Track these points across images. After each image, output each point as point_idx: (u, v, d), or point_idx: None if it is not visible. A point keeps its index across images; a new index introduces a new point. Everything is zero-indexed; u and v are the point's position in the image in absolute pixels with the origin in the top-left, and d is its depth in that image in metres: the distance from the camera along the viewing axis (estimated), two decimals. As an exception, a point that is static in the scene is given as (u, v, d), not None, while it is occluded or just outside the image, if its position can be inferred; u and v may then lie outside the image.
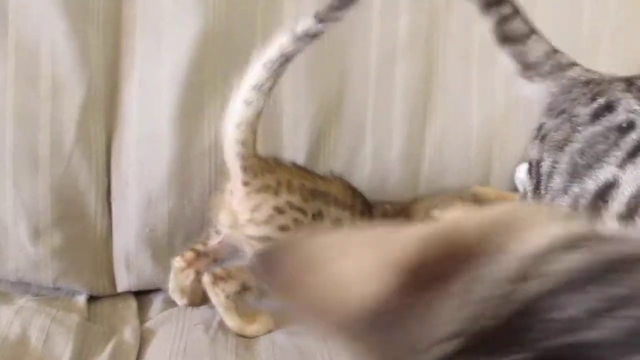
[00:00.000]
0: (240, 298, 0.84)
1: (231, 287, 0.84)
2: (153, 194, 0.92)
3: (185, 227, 0.93)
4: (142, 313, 0.92)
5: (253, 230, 0.82)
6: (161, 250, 0.93)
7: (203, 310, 0.89)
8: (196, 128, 0.92)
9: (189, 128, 0.92)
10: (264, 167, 0.83)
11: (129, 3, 0.91)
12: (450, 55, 1.01)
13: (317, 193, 0.85)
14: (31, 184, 0.89)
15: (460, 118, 1.02)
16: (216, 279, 0.84)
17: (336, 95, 0.97)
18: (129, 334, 0.84)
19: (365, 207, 0.89)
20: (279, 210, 0.81)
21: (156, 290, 0.96)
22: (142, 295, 0.96)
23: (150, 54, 0.91)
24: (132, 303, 0.94)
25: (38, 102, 0.88)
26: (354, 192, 0.90)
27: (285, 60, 0.78)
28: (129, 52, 0.91)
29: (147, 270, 0.94)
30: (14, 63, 0.87)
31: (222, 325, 0.84)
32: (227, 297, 0.84)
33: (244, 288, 0.83)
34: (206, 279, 0.85)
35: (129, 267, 0.94)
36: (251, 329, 0.85)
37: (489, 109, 1.03)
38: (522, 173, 1.02)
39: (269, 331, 0.84)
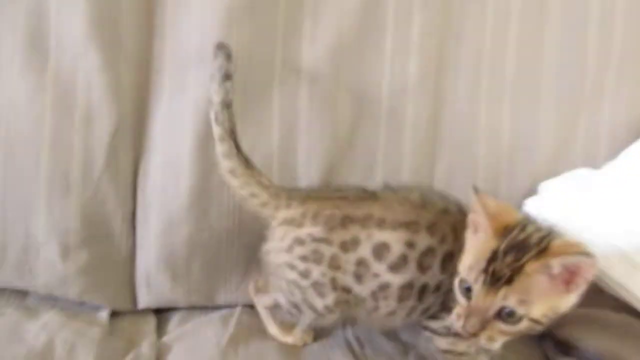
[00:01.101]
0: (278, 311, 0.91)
1: (267, 300, 0.92)
2: (174, 218, 0.98)
3: (203, 250, 0.99)
4: (160, 329, 0.97)
5: (278, 258, 0.86)
6: (180, 271, 0.99)
7: (216, 325, 0.94)
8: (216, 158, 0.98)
9: (209, 157, 0.97)
10: (290, 198, 0.86)
11: (159, 41, 0.98)
12: (459, 92, 1.05)
13: (352, 219, 0.82)
14: (63, 206, 0.96)
15: (468, 153, 1.06)
16: (257, 290, 0.94)
17: (349, 130, 1.02)
18: (146, 347, 0.90)
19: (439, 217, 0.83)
20: (299, 242, 0.83)
21: (174, 308, 1.02)
22: (161, 313, 1.02)
23: (176, 89, 0.98)
24: (151, 320, 0.99)
25: (72, 130, 0.95)
26: (423, 204, 0.83)
27: None
28: (157, 87, 0.99)
29: (166, 289, 1.00)
30: (52, 94, 0.95)
31: (232, 340, 0.90)
32: (265, 307, 0.93)
33: (276, 305, 0.90)
34: (250, 286, 0.95)
35: (150, 286, 1.00)
36: (286, 339, 0.92)
37: (495, 145, 1.07)
38: (528, 207, 1.06)
39: (305, 344, 0.92)
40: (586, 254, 0.67)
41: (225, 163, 0.87)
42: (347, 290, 0.82)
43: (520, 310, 0.68)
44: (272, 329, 0.93)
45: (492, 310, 0.69)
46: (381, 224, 0.81)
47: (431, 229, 0.81)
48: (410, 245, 0.80)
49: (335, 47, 0.99)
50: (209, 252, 0.99)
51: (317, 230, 0.82)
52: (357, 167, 1.03)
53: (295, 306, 0.86)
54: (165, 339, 0.94)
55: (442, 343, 0.84)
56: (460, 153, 1.06)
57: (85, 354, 0.84)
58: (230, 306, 1.01)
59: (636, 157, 1.07)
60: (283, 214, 0.85)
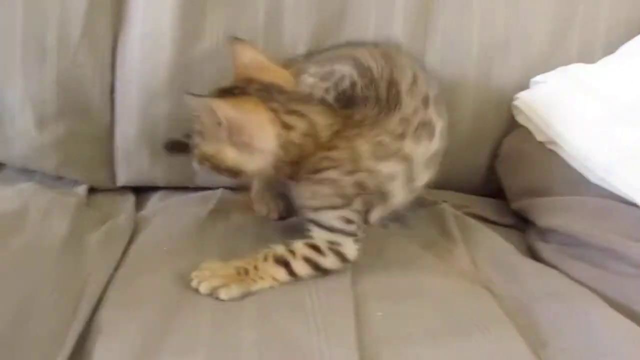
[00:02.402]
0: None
1: None
2: (154, 92, 0.95)
3: (184, 127, 0.96)
4: (139, 206, 0.96)
5: None
6: (159, 148, 0.96)
7: (196, 202, 0.93)
8: (198, 30, 0.94)
9: (191, 29, 0.94)
10: None
11: None
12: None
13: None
14: (38, 74, 0.92)
15: (459, 43, 1.04)
16: None
17: (337, 14, 0.99)
18: (124, 220, 0.88)
19: None
20: None
21: (154, 188, 1.00)
22: (140, 192, 1.00)
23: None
24: (130, 197, 0.98)
25: (47, -6, 0.91)
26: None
27: None
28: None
29: (145, 166, 0.98)
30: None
31: (212, 214, 0.90)
32: None
33: None
34: None
35: (129, 162, 0.98)
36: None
37: (489, 35, 1.04)
38: (519, 102, 1.04)
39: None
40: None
41: None
42: None
43: (196, 140, 0.74)
44: None
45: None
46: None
47: None
48: None
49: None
50: (190, 130, 0.96)
51: None
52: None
53: None
54: (143, 212, 0.92)
55: None
56: (452, 42, 1.04)
57: (59, 219, 0.81)
58: (211, 188, 0.99)
59: (633, 53, 1.05)
60: None
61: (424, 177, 0.83)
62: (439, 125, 0.84)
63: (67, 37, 0.92)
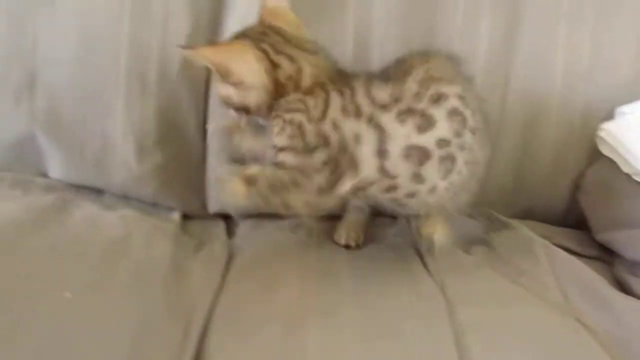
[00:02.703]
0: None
1: None
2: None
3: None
4: (230, 233, 1.00)
5: None
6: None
7: (285, 231, 0.97)
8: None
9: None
10: None
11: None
12: (537, 11, 1.03)
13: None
14: (140, 106, 0.97)
15: (543, 68, 1.04)
16: None
17: (425, 32, 1.01)
18: (218, 246, 0.92)
19: None
20: None
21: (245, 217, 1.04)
22: (229, 218, 1.04)
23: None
24: (221, 224, 1.02)
25: (150, 29, 0.96)
26: None
27: None
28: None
29: (238, 196, 1.01)
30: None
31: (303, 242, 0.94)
32: None
33: None
34: None
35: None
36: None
37: (574, 64, 1.04)
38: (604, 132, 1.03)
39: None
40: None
41: None
42: None
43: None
44: None
45: None
46: None
47: None
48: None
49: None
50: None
51: None
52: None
53: None
54: (235, 239, 0.96)
55: None
56: (536, 72, 1.04)
57: (162, 245, 0.86)
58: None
59: None
60: None
61: (402, 168, 0.77)
62: (445, 128, 0.77)
63: (167, 71, 0.97)
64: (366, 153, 0.76)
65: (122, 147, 0.98)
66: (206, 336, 0.71)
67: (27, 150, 1.01)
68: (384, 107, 0.76)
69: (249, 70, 0.79)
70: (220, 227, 1.01)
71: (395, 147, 0.76)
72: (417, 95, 0.77)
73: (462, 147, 0.78)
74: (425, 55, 0.83)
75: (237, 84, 0.79)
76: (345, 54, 0.98)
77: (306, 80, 0.80)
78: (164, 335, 0.69)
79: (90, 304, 0.69)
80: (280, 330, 0.71)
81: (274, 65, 0.79)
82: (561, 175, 1.08)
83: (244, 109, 0.82)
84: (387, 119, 0.76)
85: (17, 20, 0.97)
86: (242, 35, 0.81)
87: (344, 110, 0.77)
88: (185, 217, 1.02)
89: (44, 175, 1.03)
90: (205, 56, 0.77)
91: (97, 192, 1.02)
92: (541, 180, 1.07)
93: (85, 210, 0.93)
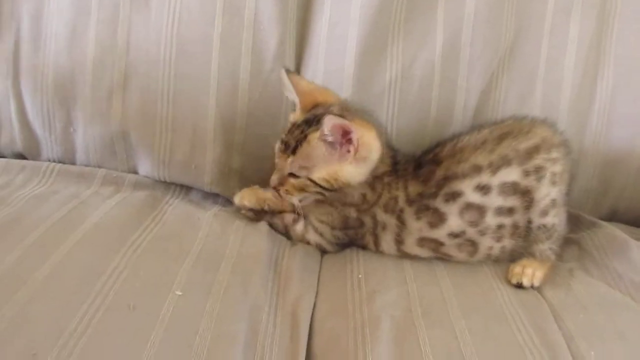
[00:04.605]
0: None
1: None
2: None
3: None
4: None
5: None
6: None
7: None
8: (378, 66, 0.98)
9: (371, 65, 0.98)
10: None
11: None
12: (626, 10, 1.01)
13: None
14: (231, 106, 0.99)
15: (633, 73, 1.02)
16: None
17: (511, 44, 1.01)
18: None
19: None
20: None
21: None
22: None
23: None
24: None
25: (241, 32, 0.97)
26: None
27: None
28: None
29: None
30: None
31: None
32: None
33: None
34: None
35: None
36: None
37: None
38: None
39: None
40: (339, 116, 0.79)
41: None
42: None
43: (301, 174, 0.83)
44: None
45: (285, 172, 0.84)
46: None
47: None
48: None
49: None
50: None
51: None
52: (517, 82, 1.02)
53: None
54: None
55: None
56: (625, 71, 1.02)
57: (258, 242, 0.87)
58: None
59: None
60: None
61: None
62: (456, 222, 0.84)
63: (257, 72, 0.98)
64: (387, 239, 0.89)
65: (212, 146, 1.00)
66: (313, 333, 0.73)
67: (119, 148, 1.03)
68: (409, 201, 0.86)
69: (374, 147, 0.83)
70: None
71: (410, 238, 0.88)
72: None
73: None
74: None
75: (362, 160, 0.82)
76: (434, 53, 0.98)
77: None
78: (274, 333, 0.71)
79: (200, 303, 0.71)
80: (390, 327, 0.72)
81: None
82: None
83: (332, 189, 0.84)
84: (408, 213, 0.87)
85: (111, 23, 0.99)
86: (345, 110, 0.84)
87: (385, 207, 0.87)
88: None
89: (134, 172, 1.05)
90: (356, 130, 0.79)
91: (186, 188, 1.04)
92: (628, 181, 1.05)
93: (177, 207, 0.95)
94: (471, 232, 0.85)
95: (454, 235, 0.85)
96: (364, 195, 0.86)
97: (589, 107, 1.02)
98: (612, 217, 1.08)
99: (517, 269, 0.85)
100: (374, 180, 0.85)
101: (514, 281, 0.83)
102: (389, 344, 0.68)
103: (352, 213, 0.88)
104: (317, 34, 1.00)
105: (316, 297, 0.80)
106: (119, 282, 0.71)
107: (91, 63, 0.99)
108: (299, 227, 0.93)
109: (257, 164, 1.02)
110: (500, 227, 0.85)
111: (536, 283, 0.83)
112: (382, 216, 0.87)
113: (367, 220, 0.88)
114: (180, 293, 0.71)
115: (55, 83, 1.01)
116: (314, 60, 1.00)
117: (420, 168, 0.87)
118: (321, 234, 0.91)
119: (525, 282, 0.83)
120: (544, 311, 0.77)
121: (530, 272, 0.83)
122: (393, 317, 0.73)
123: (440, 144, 0.89)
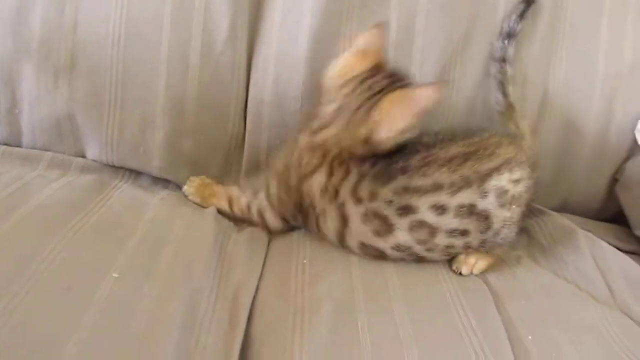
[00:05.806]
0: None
1: None
2: (286, 113, 0.98)
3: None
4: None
5: None
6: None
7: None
8: (332, 52, 0.97)
9: (325, 51, 0.96)
10: None
11: None
12: (581, 5, 1.02)
13: None
14: (180, 89, 0.96)
15: (585, 69, 1.03)
16: None
17: (465, 31, 1.01)
18: (257, 229, 0.92)
19: None
20: None
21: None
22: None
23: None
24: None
25: (192, 11, 0.95)
26: None
27: None
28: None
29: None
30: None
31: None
32: None
33: None
34: None
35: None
36: None
37: (615, 63, 1.03)
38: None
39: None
40: None
41: None
42: None
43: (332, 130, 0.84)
44: None
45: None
46: None
47: None
48: None
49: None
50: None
51: None
52: (471, 71, 1.02)
53: None
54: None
55: None
56: (578, 66, 1.04)
57: (204, 227, 0.86)
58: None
59: None
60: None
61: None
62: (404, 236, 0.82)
63: (209, 53, 0.96)
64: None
65: (161, 129, 0.98)
66: (253, 316, 0.72)
67: (66, 130, 1.00)
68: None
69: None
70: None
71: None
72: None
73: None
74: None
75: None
76: (388, 40, 0.97)
77: None
78: (212, 317, 0.69)
79: (138, 285, 0.69)
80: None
81: None
82: (600, 170, 1.07)
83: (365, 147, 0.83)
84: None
85: (59, 1, 0.95)
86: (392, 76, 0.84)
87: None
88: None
89: (82, 155, 1.02)
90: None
91: (135, 173, 1.02)
92: (580, 174, 1.06)
93: (125, 191, 0.93)
94: (418, 249, 0.83)
95: (398, 248, 0.83)
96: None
97: (542, 104, 1.03)
98: (564, 208, 1.09)
99: (461, 256, 0.85)
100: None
101: (454, 268, 0.83)
102: (327, 328, 0.68)
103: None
104: (270, 18, 0.98)
105: (260, 281, 0.79)
106: (54, 264, 0.69)
107: (37, 42, 0.96)
108: (244, 199, 0.93)
109: (209, 149, 1.00)
110: (449, 247, 0.83)
111: (475, 272, 0.83)
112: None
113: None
114: (116, 275, 0.70)
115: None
116: (266, 46, 0.99)
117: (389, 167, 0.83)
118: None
119: (464, 270, 0.83)
120: (486, 298, 0.77)
121: (472, 261, 0.83)
122: (334, 302, 0.72)
123: (417, 150, 0.85)
